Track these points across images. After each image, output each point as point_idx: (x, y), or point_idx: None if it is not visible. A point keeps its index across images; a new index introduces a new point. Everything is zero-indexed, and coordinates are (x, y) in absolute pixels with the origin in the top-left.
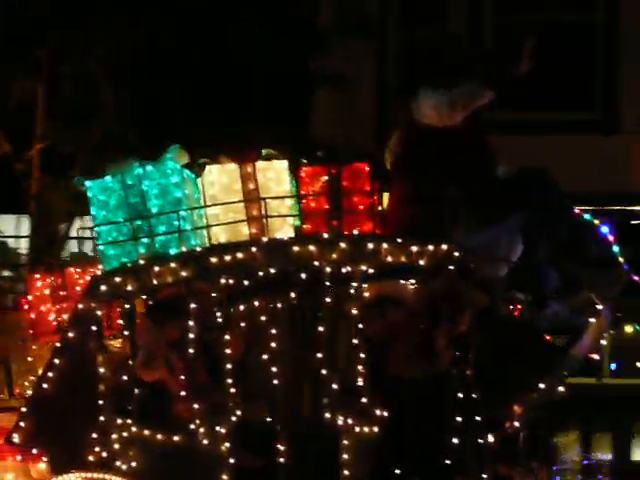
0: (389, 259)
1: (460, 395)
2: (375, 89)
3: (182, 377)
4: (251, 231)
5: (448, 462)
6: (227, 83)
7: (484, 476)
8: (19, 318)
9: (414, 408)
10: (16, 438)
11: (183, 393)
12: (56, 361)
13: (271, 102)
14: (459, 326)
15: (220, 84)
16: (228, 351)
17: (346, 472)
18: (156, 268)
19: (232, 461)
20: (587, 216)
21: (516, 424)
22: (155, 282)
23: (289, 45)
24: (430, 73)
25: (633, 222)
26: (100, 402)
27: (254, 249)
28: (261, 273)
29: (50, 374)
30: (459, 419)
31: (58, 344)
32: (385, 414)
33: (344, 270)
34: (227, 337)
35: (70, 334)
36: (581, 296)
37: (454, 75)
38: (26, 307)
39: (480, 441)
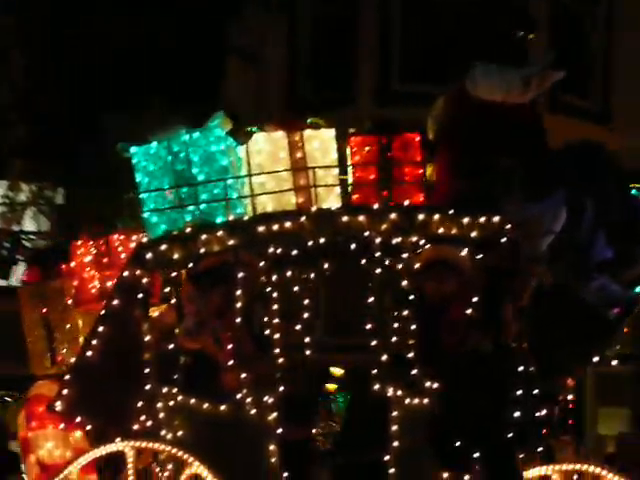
0: (440, 230)
1: (520, 367)
2: (285, 60)
3: (228, 346)
4: (298, 200)
5: (510, 435)
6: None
7: (540, 449)
8: (60, 286)
9: (474, 379)
10: (59, 406)
11: (230, 362)
12: (100, 329)
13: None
14: (522, 299)
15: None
16: (275, 321)
17: (395, 443)
18: (203, 236)
19: (279, 431)
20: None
21: (569, 397)
22: (202, 250)
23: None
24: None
25: None
26: (145, 370)
27: (303, 218)
28: (310, 243)
29: (94, 342)
30: (519, 392)
31: (103, 312)
32: (435, 386)
33: (394, 241)
34: (274, 306)
35: (115, 302)
36: (634, 271)
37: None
38: (68, 274)
39: (537, 414)
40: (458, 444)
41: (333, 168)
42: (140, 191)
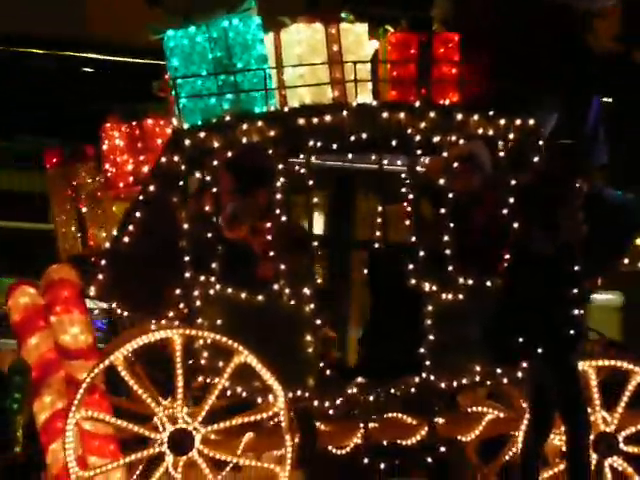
0: (478, 131)
1: (573, 267)
2: None
3: (267, 237)
4: (334, 94)
5: (572, 332)
6: None
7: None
8: (91, 168)
9: (539, 279)
10: (92, 291)
11: (268, 253)
12: (137, 214)
13: None
14: (575, 203)
15: None
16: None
17: (431, 337)
18: (244, 126)
19: (318, 322)
20: None
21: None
22: (242, 140)
23: None
24: None
25: None
26: (184, 258)
27: (344, 112)
28: (352, 138)
29: (130, 227)
30: (574, 290)
31: (139, 197)
32: (470, 282)
33: (434, 139)
34: (315, 199)
35: (152, 188)
36: None
37: None
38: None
39: (581, 312)
40: (520, 341)
41: (366, 63)
42: (177, 76)
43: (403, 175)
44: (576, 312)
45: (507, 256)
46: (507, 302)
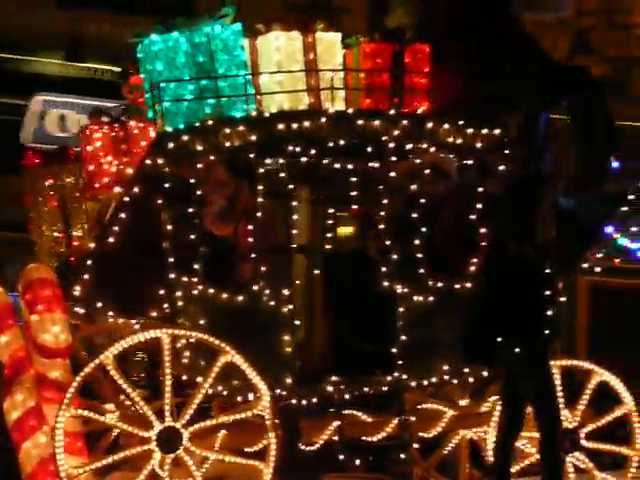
0: (447, 139)
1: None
2: None
3: (249, 238)
4: (310, 101)
5: (547, 332)
6: None
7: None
8: (74, 170)
9: (518, 281)
10: (78, 291)
11: (249, 254)
12: (121, 215)
13: None
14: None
15: None
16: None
17: (403, 337)
18: (226, 130)
19: (296, 323)
20: None
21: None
22: (224, 144)
23: None
24: None
25: None
26: (166, 259)
27: (323, 119)
28: (330, 144)
29: (115, 228)
30: (549, 291)
31: (123, 198)
32: (439, 284)
33: (406, 146)
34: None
35: (135, 189)
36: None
37: None
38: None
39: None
40: (499, 340)
41: (339, 71)
42: (159, 80)
43: (377, 180)
44: (550, 312)
45: (477, 259)
46: (484, 303)
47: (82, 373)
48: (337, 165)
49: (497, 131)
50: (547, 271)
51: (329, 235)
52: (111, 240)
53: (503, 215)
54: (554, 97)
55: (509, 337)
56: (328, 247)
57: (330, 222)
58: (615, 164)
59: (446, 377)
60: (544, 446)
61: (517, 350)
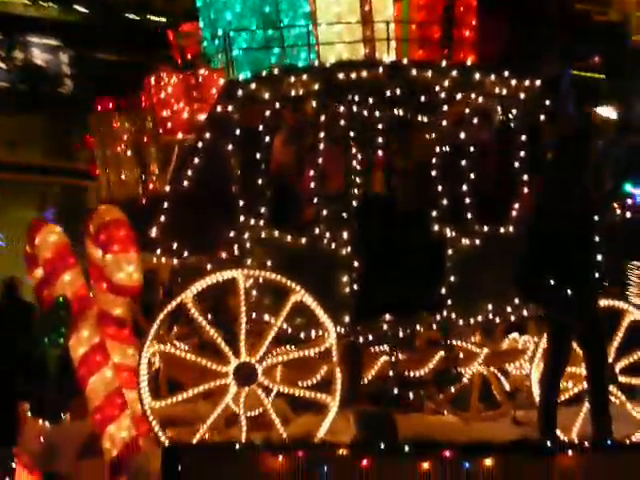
0: (494, 90)
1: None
2: None
3: (312, 184)
4: (366, 51)
5: (597, 276)
6: None
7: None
8: (150, 115)
9: (570, 231)
10: (154, 232)
11: (314, 199)
12: (195, 160)
13: None
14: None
15: None
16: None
17: (451, 279)
18: (291, 78)
19: (354, 265)
20: None
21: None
22: (289, 92)
23: None
24: None
25: None
26: (235, 203)
27: (380, 69)
28: (387, 93)
29: (189, 172)
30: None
31: (196, 143)
32: (485, 229)
33: (456, 96)
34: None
35: (207, 135)
36: None
37: None
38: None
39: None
40: (552, 281)
41: (393, 23)
42: (229, 29)
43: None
44: (599, 258)
45: (521, 206)
46: (540, 248)
47: (164, 310)
48: (393, 114)
49: (538, 83)
50: (600, 221)
51: (385, 182)
52: (185, 184)
53: (556, 166)
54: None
55: (562, 280)
56: (384, 193)
57: (386, 170)
58: None
59: (490, 316)
60: (594, 380)
61: (569, 291)
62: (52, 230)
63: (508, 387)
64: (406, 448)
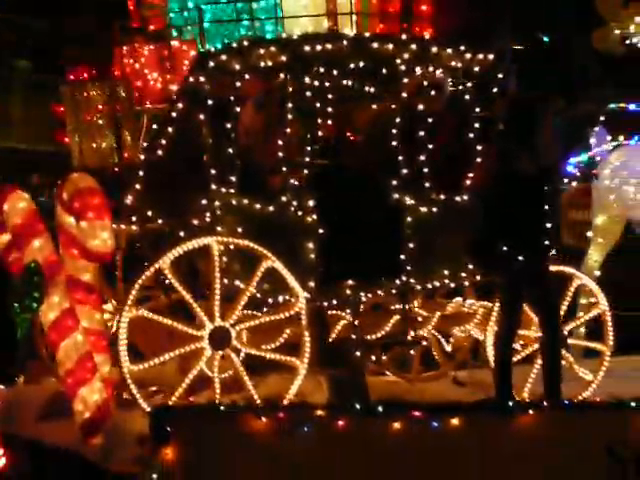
0: (450, 63)
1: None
2: None
3: (278, 153)
4: (329, 24)
5: (547, 243)
6: None
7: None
8: (125, 85)
9: (523, 194)
10: (130, 200)
11: (276, 166)
12: (168, 129)
13: None
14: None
15: None
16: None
17: (410, 245)
18: (260, 50)
19: (319, 232)
20: None
21: None
22: (258, 64)
23: None
24: None
25: None
26: (207, 171)
27: (344, 42)
28: (351, 66)
29: (162, 141)
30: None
31: (169, 113)
32: (442, 197)
33: (415, 69)
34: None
35: (179, 105)
36: None
37: None
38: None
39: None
40: (505, 249)
41: None
42: (202, 2)
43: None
44: (550, 225)
45: (475, 175)
46: (492, 216)
47: (143, 276)
48: (356, 85)
49: (490, 56)
50: (551, 187)
51: (347, 151)
52: (159, 153)
53: (507, 135)
54: None
55: (515, 247)
56: (347, 162)
57: (348, 140)
58: None
59: (446, 281)
60: (547, 343)
61: (521, 258)
62: (21, 197)
63: (449, 349)
64: (379, 409)
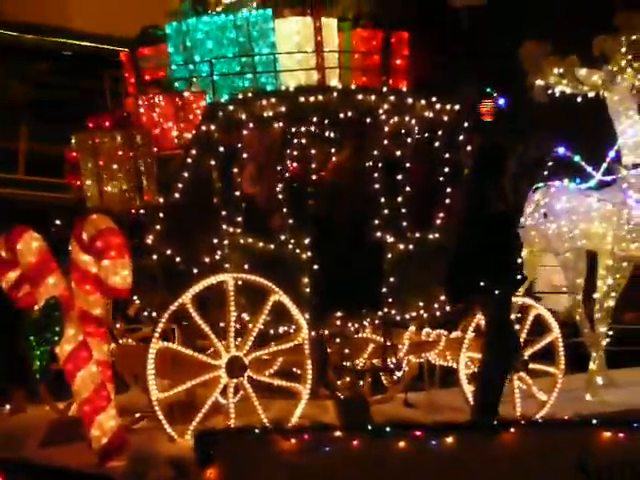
0: (423, 113)
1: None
2: None
3: (277, 195)
4: (318, 77)
5: (519, 277)
6: None
7: None
8: (147, 133)
9: (494, 233)
10: (150, 240)
11: (276, 208)
12: (184, 174)
13: None
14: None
15: None
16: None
17: (390, 279)
18: (263, 101)
19: (315, 267)
20: None
21: None
22: (261, 114)
23: None
24: None
25: None
26: (218, 213)
27: (334, 93)
28: (341, 115)
29: (179, 185)
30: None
31: (185, 159)
32: (417, 235)
33: (393, 119)
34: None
35: (193, 152)
36: None
37: None
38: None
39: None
40: (481, 283)
41: (344, 53)
42: (212, 57)
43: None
44: (520, 260)
45: (445, 215)
46: (466, 252)
47: (168, 310)
48: (343, 133)
49: (457, 107)
50: (518, 224)
51: (336, 195)
52: (176, 196)
53: (477, 180)
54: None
55: (489, 281)
56: (336, 205)
57: (337, 185)
58: None
59: (421, 312)
60: (494, 366)
61: (496, 292)
62: (34, 237)
63: (399, 374)
64: (387, 429)
